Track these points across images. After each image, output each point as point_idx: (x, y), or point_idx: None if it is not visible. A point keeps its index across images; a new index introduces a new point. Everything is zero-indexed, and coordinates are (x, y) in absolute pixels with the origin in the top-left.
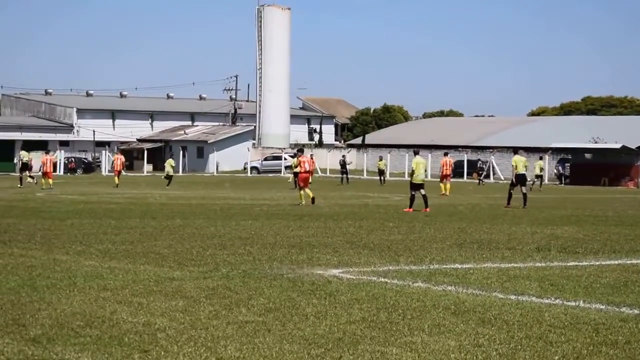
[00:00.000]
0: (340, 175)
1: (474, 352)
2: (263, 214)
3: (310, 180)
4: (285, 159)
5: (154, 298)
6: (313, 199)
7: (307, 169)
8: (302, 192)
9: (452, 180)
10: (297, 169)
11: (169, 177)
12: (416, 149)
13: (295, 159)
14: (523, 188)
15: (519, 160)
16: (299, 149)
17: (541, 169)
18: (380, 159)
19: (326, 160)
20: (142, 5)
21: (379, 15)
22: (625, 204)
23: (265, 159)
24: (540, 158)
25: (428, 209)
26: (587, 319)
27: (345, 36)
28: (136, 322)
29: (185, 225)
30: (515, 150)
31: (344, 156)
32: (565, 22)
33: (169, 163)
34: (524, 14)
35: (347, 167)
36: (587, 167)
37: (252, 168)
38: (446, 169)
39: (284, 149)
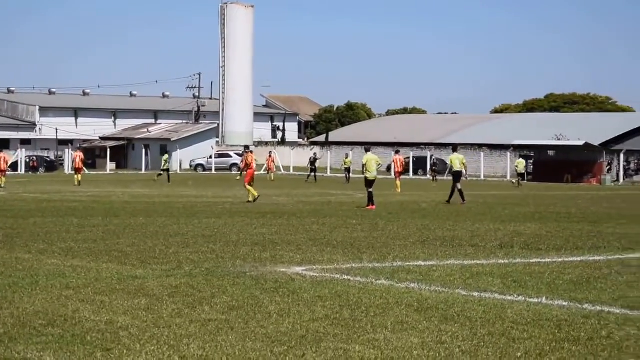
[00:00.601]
0: (308, 173)
1: (436, 349)
2: (226, 212)
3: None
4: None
5: (116, 296)
6: (255, 199)
7: (255, 167)
8: (249, 187)
9: (411, 177)
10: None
11: (166, 172)
12: (367, 146)
13: (246, 155)
14: (458, 185)
15: (456, 157)
16: (246, 146)
17: (524, 167)
18: (347, 157)
19: (290, 158)
20: (105, 4)
21: (342, 12)
22: (588, 200)
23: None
24: (521, 156)
25: (374, 206)
26: (549, 316)
27: (308, 34)
28: (99, 320)
29: (148, 223)
30: (455, 147)
31: (315, 154)
32: (528, 19)
33: (165, 158)
34: (487, 12)
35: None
36: (550, 164)
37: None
38: (398, 167)
39: (248, 146)
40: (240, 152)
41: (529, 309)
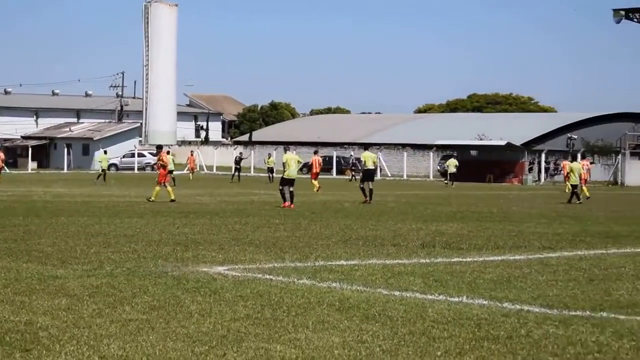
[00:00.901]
0: (233, 172)
1: (357, 348)
2: (148, 212)
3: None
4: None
5: (36, 296)
6: (150, 200)
7: (169, 167)
8: (158, 187)
9: (334, 177)
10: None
11: (103, 172)
12: (287, 146)
13: (160, 155)
14: (370, 183)
15: (368, 156)
16: (158, 146)
17: (455, 167)
18: (269, 156)
19: (213, 158)
20: (24, 1)
21: (265, 11)
22: (509, 200)
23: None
24: (451, 156)
25: (292, 206)
26: (470, 315)
27: (232, 33)
28: (18, 321)
29: (70, 223)
30: (366, 146)
31: (241, 153)
32: (450, 19)
33: (104, 158)
34: (407, 11)
35: (242, 163)
36: (472, 164)
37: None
38: (316, 167)
39: (172, 145)
40: (154, 152)
41: (450, 308)
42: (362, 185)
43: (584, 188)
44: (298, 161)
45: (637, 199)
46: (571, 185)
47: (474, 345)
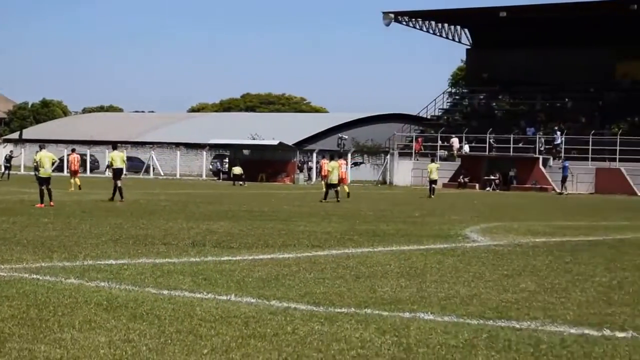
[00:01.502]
0: (3, 171)
1: (123, 348)
2: None
3: None
4: None
5: None
6: None
7: None
8: None
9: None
10: None
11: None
12: (42, 144)
13: None
14: (119, 182)
15: (117, 155)
16: None
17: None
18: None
19: None
20: None
21: (37, 7)
22: (281, 199)
23: None
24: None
25: (52, 204)
26: (237, 313)
27: (3, 28)
28: None
29: None
30: (114, 145)
31: (11, 151)
32: (224, 19)
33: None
34: (182, 9)
35: (12, 161)
36: (245, 164)
37: None
38: (74, 165)
39: None
40: None
41: (218, 306)
42: (119, 185)
43: (345, 187)
44: (52, 159)
45: (404, 198)
46: (330, 184)
47: (241, 342)
